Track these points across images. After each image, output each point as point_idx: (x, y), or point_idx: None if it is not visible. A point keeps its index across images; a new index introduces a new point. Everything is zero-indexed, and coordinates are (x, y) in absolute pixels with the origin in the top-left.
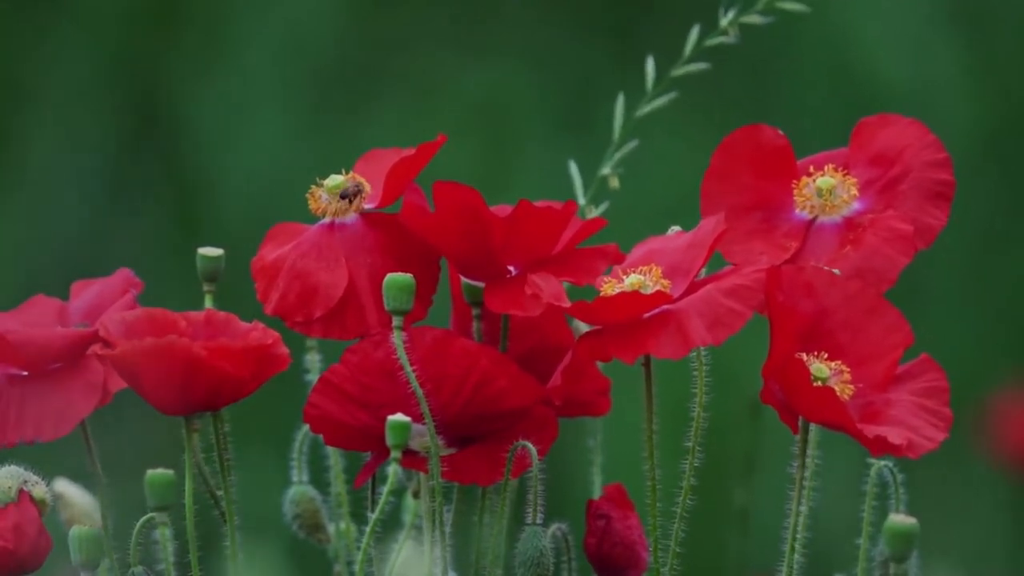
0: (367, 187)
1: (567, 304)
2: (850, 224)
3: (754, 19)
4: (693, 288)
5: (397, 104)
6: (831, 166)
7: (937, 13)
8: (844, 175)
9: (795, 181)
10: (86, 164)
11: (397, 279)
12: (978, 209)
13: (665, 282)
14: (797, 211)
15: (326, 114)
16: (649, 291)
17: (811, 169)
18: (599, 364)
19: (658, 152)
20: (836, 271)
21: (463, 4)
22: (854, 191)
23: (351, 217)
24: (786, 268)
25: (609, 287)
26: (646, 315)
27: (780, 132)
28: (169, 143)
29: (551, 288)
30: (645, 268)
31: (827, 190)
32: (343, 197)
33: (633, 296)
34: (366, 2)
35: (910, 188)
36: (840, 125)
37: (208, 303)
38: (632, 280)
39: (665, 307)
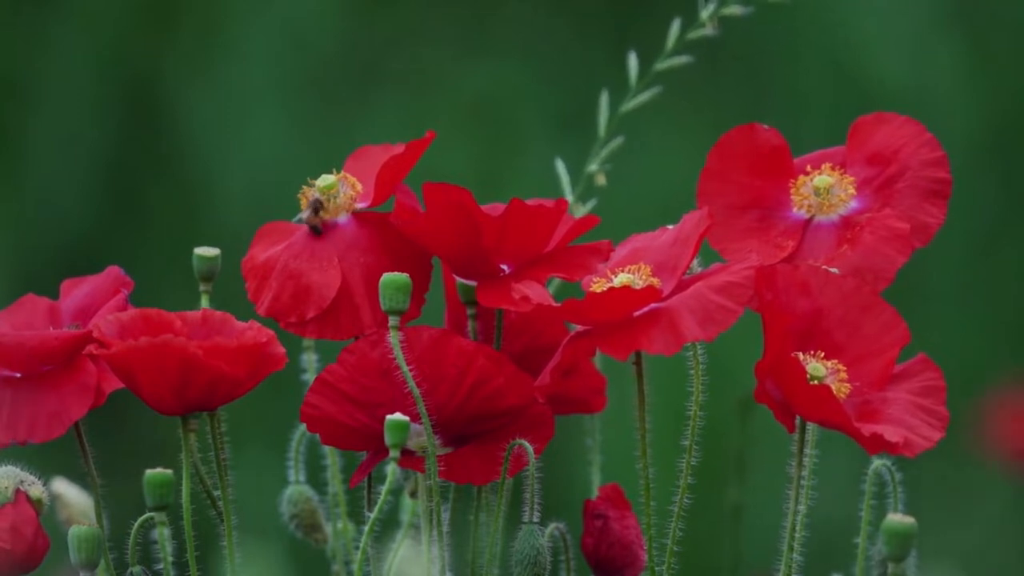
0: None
1: (555, 304)
2: (847, 223)
3: (734, 10)
4: (683, 286)
5: (396, 103)
6: (828, 165)
7: (936, 13)
8: (841, 174)
9: (792, 180)
10: (85, 163)
11: (394, 279)
12: (977, 208)
13: (655, 280)
14: (794, 210)
15: (326, 113)
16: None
17: (808, 168)
18: (596, 363)
19: (656, 151)
20: (834, 270)
21: (463, 4)
22: (851, 190)
23: (343, 217)
24: (781, 267)
25: (598, 287)
26: (636, 313)
27: (777, 131)
28: (168, 142)
29: (537, 294)
30: (633, 267)
31: (824, 189)
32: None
33: (624, 292)
34: (366, 1)
35: (907, 186)
36: (838, 124)
37: (204, 303)
38: (621, 279)
39: (655, 305)
